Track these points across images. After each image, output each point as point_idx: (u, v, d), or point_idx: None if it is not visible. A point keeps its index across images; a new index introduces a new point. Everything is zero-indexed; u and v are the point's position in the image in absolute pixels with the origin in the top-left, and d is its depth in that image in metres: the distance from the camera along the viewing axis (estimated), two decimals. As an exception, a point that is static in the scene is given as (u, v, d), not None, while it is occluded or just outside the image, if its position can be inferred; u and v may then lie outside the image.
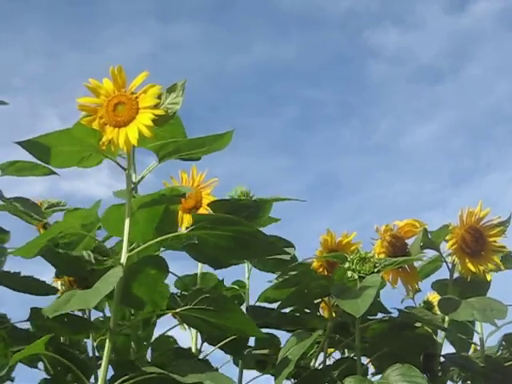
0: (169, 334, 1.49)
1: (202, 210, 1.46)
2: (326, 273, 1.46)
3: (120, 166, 1.19)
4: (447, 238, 1.46)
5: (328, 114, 4.37)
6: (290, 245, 1.49)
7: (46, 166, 1.24)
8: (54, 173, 1.30)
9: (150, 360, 1.39)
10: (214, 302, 1.20)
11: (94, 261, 1.30)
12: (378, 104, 4.35)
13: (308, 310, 1.51)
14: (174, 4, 4.27)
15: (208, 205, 1.44)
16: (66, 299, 1.10)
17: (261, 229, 1.26)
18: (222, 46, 4.31)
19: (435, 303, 1.62)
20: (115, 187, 1.28)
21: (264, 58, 4.34)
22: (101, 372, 1.14)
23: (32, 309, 1.26)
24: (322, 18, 4.32)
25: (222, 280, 1.56)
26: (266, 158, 4.03)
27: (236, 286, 1.59)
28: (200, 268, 1.53)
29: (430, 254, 1.53)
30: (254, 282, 1.62)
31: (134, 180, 1.20)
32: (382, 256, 1.49)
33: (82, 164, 1.21)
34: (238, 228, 1.18)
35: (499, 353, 1.53)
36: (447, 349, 1.50)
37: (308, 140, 4.24)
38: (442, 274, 1.53)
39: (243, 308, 1.56)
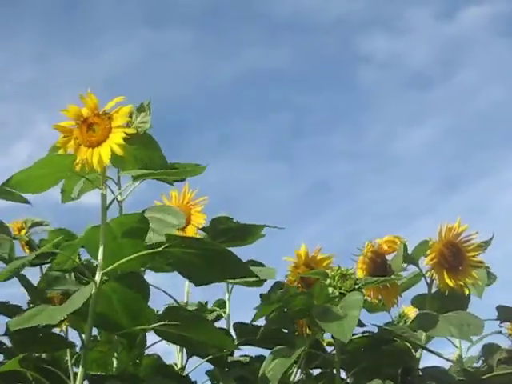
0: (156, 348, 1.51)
1: (191, 228, 1.49)
2: (301, 288, 1.48)
3: (97, 186, 1.21)
4: (427, 252, 1.49)
5: (320, 120, 4.38)
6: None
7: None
8: (28, 202, 1.32)
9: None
10: (184, 318, 1.24)
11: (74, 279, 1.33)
12: (369, 109, 4.37)
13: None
14: (165, 11, 4.28)
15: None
16: (33, 314, 1.12)
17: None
18: (213, 53, 4.32)
19: (411, 316, 1.65)
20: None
21: (256, 64, 4.35)
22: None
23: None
24: (313, 24, 4.34)
25: (206, 302, 1.59)
26: (258, 164, 4.04)
27: (217, 308, 1.61)
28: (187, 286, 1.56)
29: (412, 269, 1.56)
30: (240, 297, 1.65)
31: (107, 201, 1.22)
32: (364, 272, 1.53)
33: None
34: (207, 246, 1.21)
35: (479, 364, 1.56)
36: (426, 362, 1.53)
37: (300, 145, 4.25)
38: (420, 289, 1.56)
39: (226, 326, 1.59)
